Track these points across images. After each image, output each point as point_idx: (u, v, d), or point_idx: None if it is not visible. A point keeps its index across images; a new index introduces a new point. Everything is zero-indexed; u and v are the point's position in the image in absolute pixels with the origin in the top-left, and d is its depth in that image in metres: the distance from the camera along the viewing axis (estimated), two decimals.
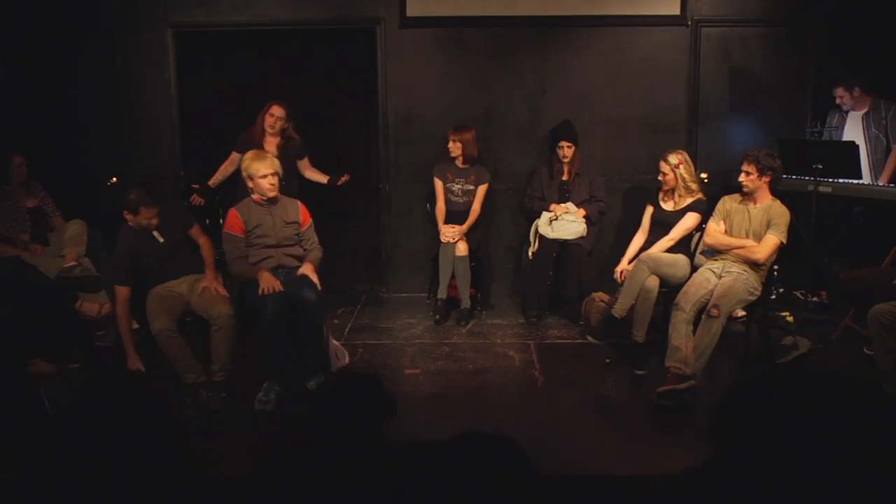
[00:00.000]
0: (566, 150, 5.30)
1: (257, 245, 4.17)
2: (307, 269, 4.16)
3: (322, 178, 5.38)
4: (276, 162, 4.24)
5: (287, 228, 4.22)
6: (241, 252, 4.14)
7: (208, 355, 4.00)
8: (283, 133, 5.16)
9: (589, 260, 5.27)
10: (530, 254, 5.26)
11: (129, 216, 4.10)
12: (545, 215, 5.23)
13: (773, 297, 5.23)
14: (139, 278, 4.15)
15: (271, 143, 5.13)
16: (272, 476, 1.73)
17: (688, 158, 4.66)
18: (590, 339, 4.72)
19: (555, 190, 5.37)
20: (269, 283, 3.97)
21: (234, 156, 5.20)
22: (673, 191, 4.66)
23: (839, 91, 5.24)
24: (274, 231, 4.18)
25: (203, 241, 4.36)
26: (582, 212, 5.25)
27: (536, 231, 5.26)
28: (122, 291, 4.10)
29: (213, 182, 5.28)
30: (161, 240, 4.16)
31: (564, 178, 5.39)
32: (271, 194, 4.16)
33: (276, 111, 5.10)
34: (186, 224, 4.35)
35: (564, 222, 5.18)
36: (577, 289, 5.15)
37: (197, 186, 5.32)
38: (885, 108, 5.16)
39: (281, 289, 3.97)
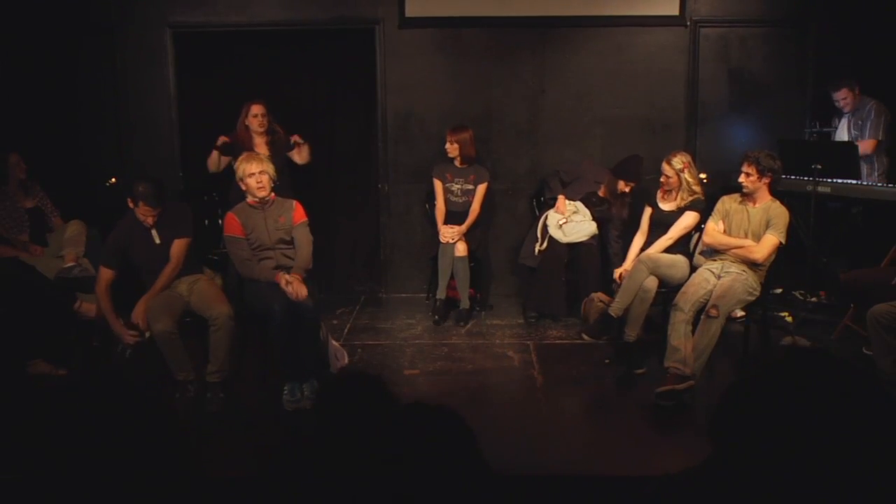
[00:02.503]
0: (623, 187, 5.26)
1: (255, 249, 4.16)
2: (296, 283, 3.98)
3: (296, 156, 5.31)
4: (267, 162, 4.22)
5: (279, 231, 4.21)
6: (247, 254, 4.11)
7: (207, 355, 4.00)
8: (268, 130, 5.15)
9: (598, 259, 5.25)
10: (536, 250, 5.22)
11: (132, 205, 4.09)
12: (553, 218, 5.20)
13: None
14: (129, 273, 4.12)
15: (260, 143, 5.11)
16: (273, 476, 1.73)
17: (691, 161, 4.63)
18: (584, 336, 4.69)
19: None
20: (293, 291, 3.94)
21: (224, 159, 5.16)
22: (672, 191, 4.65)
23: (843, 93, 5.25)
24: (267, 235, 4.17)
25: (175, 257, 4.14)
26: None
27: (545, 228, 5.23)
28: (105, 273, 4.07)
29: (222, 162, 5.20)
30: (157, 240, 4.14)
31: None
32: (260, 194, 4.14)
33: (257, 109, 5.09)
34: (183, 232, 4.21)
35: (574, 224, 5.15)
36: (598, 286, 5.08)
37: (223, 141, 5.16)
38: (869, 106, 5.20)
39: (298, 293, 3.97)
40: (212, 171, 5.22)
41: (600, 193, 5.29)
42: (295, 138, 5.27)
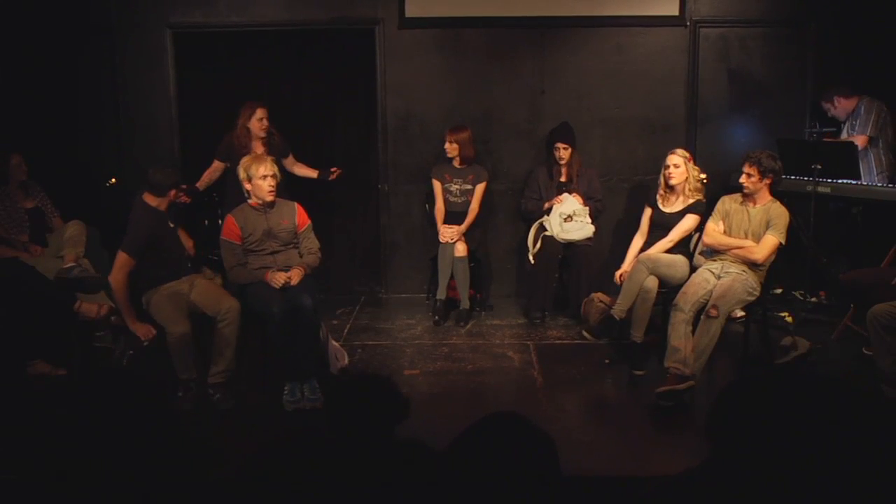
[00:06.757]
0: (562, 153, 5.31)
1: (255, 252, 4.16)
2: (296, 274, 4.07)
3: (311, 173, 5.38)
4: (276, 166, 4.22)
5: (282, 234, 4.21)
6: (239, 260, 4.12)
7: (205, 355, 4.00)
8: (266, 133, 5.14)
9: (593, 261, 5.26)
10: (531, 257, 5.22)
11: (151, 198, 4.10)
12: (556, 215, 5.18)
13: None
14: (145, 262, 4.07)
15: (258, 146, 5.08)
16: (274, 476, 1.73)
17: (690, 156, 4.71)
18: (585, 333, 4.67)
19: (553, 191, 5.36)
20: (278, 278, 4.00)
21: (217, 164, 5.19)
22: (673, 188, 4.65)
23: (824, 105, 5.35)
24: (269, 238, 4.17)
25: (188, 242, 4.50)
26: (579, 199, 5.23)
27: (536, 234, 5.24)
28: (128, 261, 3.98)
29: (200, 185, 5.24)
30: (171, 224, 4.21)
31: (562, 179, 5.39)
32: (269, 198, 4.14)
33: (262, 113, 5.05)
34: (177, 219, 4.40)
35: (576, 222, 5.14)
36: (587, 291, 5.10)
37: (185, 187, 5.27)
38: (865, 107, 5.20)
39: (291, 278, 4.03)
40: (214, 179, 5.26)
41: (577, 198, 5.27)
42: (336, 173, 5.37)
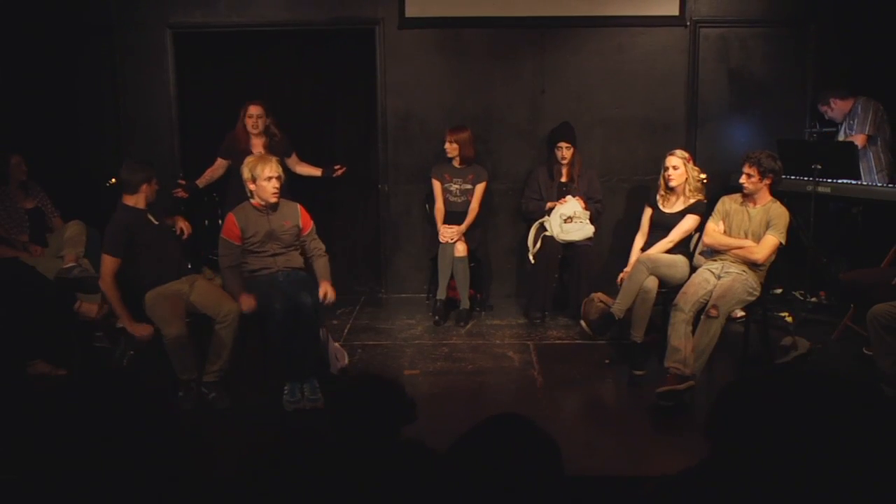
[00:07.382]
0: (564, 152, 5.31)
1: (257, 254, 4.16)
2: (326, 290, 4.14)
3: (315, 172, 5.39)
4: (280, 167, 4.21)
5: (285, 235, 4.20)
6: (235, 260, 4.11)
7: (203, 354, 4.00)
8: (266, 131, 5.14)
9: (593, 261, 5.26)
10: (531, 257, 5.22)
11: (127, 197, 4.06)
12: (556, 216, 5.17)
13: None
14: (132, 263, 4.01)
15: (257, 145, 5.10)
16: (273, 476, 1.73)
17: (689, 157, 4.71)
18: (583, 324, 4.59)
19: (553, 191, 5.36)
20: (247, 303, 3.99)
21: (220, 161, 5.21)
22: (673, 189, 4.65)
23: (820, 108, 5.37)
24: (271, 239, 4.16)
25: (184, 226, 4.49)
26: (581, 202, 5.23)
27: (536, 233, 5.24)
28: (113, 262, 3.92)
29: (200, 182, 5.26)
30: (155, 222, 4.14)
31: (563, 179, 5.39)
32: (273, 199, 4.13)
33: (254, 110, 5.08)
34: (166, 210, 4.41)
35: (576, 223, 5.13)
36: (587, 291, 5.10)
37: (183, 182, 5.29)
38: (862, 106, 5.23)
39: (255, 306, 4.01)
40: (216, 178, 5.26)
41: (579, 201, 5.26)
42: (340, 170, 5.38)
